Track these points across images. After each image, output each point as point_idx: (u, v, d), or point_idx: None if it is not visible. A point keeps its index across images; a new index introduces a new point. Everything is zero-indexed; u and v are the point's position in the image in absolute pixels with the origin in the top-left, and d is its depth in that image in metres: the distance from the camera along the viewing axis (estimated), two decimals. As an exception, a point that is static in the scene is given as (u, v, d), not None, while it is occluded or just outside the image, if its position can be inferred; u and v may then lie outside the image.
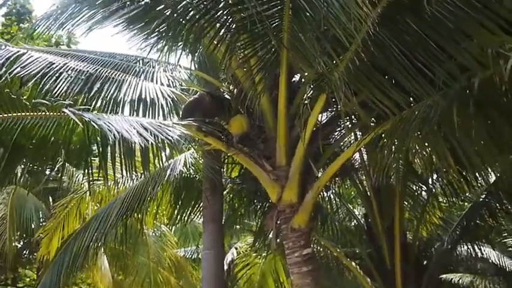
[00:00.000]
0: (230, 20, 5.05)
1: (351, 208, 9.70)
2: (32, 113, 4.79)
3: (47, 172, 12.43)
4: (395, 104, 5.05)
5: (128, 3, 5.31)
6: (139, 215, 7.94)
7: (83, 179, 9.47)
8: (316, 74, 5.07)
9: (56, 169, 11.87)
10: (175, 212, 8.39)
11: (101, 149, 5.36)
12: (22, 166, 10.43)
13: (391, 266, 7.84)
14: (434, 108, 4.47)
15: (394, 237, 7.80)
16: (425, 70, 4.59)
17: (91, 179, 6.33)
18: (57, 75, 5.80)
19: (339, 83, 4.68)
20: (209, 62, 7.01)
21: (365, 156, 8.07)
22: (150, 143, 5.28)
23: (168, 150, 5.76)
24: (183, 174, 8.13)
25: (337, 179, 8.70)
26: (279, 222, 6.14)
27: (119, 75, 6.31)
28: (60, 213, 8.48)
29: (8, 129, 4.76)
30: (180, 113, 6.29)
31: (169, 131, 5.28)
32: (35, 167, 5.33)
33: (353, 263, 8.47)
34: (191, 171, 8.10)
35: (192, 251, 15.55)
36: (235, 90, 6.35)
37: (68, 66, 6.00)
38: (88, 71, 6.12)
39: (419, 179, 8.13)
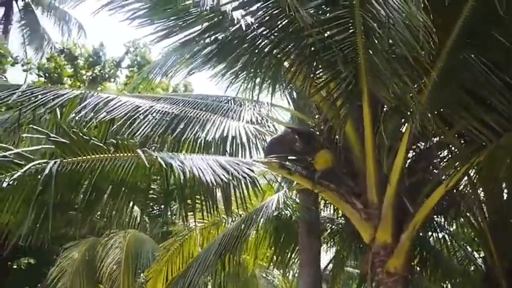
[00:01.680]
0: (302, 47, 4.78)
1: (470, 251, 8.74)
2: (110, 155, 4.82)
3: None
4: (491, 130, 4.47)
5: (202, 42, 5.27)
6: (236, 257, 7.76)
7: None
8: (396, 101, 4.63)
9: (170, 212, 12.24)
10: (275, 254, 8.12)
11: (180, 190, 5.26)
12: (140, 209, 10.82)
13: (517, 315, 6.86)
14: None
15: (516, 281, 6.84)
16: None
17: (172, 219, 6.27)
18: (142, 117, 5.91)
19: (415, 108, 4.20)
20: (298, 98, 6.81)
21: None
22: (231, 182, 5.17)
23: (250, 189, 5.51)
24: (281, 216, 7.89)
25: (450, 218, 8.00)
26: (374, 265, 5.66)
27: (204, 115, 6.29)
28: (164, 256, 8.57)
29: (87, 172, 4.82)
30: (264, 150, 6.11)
31: (249, 169, 5.12)
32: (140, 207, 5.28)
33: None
34: (287, 212, 7.82)
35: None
36: (322, 125, 6.07)
37: (154, 108, 6.11)
38: (173, 112, 6.18)
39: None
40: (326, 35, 4.37)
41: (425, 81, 4.56)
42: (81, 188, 4.94)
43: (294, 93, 6.96)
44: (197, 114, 6.29)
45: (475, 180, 6.79)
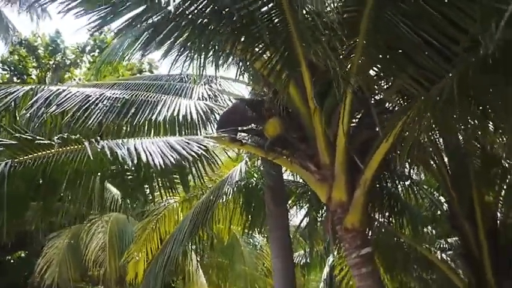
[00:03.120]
0: (229, 22, 4.87)
1: (437, 196, 9.00)
2: (61, 149, 4.95)
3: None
4: (420, 84, 4.64)
5: (139, 27, 5.34)
6: (207, 229, 8.00)
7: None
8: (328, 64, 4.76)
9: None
10: (248, 222, 8.34)
11: (135, 174, 5.41)
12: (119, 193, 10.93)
13: (479, 256, 7.14)
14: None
15: (476, 224, 7.11)
16: (434, 42, 4.15)
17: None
18: (92, 106, 6.01)
19: (340, 72, 4.35)
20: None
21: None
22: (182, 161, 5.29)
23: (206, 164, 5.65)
24: (249, 184, 8.09)
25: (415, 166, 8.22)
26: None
27: (155, 96, 6.40)
28: (141, 236, 8.77)
29: (41, 167, 4.95)
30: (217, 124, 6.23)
31: (199, 146, 5.27)
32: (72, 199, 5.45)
33: (441, 256, 7.89)
34: (253, 180, 8.02)
35: (301, 255, 15.30)
36: (270, 93, 6.18)
37: (104, 96, 6.21)
38: (124, 97, 6.28)
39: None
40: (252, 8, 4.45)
41: (354, 43, 4.68)
42: (37, 182, 5.08)
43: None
44: (148, 96, 6.39)
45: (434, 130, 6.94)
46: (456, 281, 7.50)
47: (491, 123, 4.93)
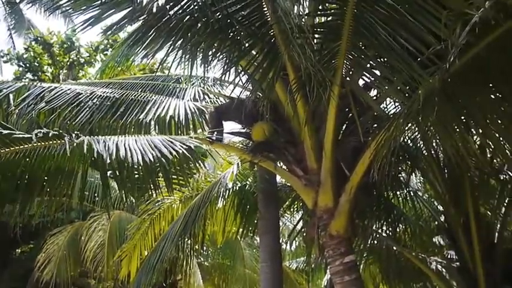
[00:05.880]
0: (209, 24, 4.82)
1: (435, 205, 8.82)
2: (42, 143, 4.93)
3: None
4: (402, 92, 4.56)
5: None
6: (197, 231, 7.97)
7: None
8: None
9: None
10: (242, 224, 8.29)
11: (118, 172, 5.38)
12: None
13: (474, 269, 6.99)
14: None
15: (472, 236, 6.96)
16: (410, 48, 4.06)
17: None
18: (82, 104, 6.02)
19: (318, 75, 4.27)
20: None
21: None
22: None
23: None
24: (243, 187, 8.05)
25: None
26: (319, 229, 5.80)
27: (145, 96, 6.39)
28: (135, 235, 8.77)
29: (19, 162, 4.95)
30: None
31: (181, 145, 5.23)
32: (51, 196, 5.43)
33: (436, 267, 7.74)
34: (247, 183, 7.98)
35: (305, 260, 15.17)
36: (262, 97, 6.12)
37: (94, 94, 6.22)
38: (114, 96, 6.28)
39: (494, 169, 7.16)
40: (231, 10, 4.41)
41: (337, 47, 4.61)
42: (18, 178, 5.08)
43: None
44: (138, 96, 6.38)
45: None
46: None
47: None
